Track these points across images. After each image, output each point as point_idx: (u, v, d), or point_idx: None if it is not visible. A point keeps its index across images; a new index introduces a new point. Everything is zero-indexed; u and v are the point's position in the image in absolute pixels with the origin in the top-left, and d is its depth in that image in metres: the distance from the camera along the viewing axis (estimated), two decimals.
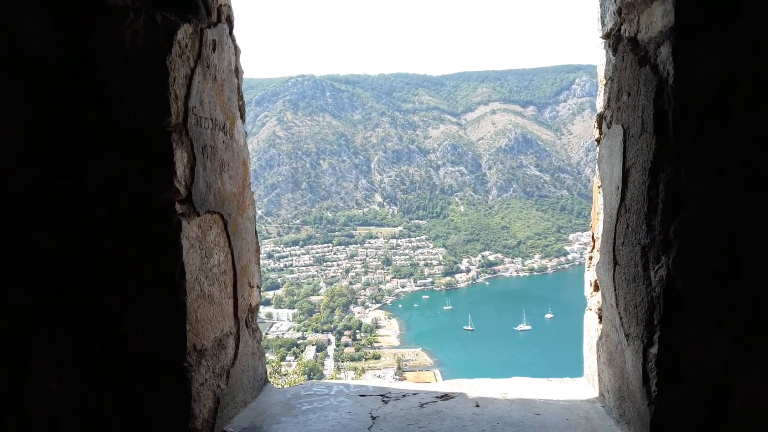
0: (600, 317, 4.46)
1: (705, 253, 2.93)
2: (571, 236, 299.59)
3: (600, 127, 4.71)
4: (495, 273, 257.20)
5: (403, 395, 4.64)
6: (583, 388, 4.76)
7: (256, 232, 5.03)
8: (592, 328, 4.74)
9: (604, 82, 4.46)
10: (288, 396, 4.74)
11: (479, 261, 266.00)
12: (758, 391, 3.00)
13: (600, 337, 4.39)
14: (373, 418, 4.13)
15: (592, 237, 4.92)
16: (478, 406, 4.27)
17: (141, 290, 3.49)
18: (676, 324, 2.99)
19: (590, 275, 4.85)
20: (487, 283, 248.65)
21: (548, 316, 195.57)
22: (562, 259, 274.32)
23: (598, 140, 4.84)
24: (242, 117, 4.76)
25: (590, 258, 4.92)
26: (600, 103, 4.64)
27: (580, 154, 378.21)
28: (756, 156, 2.86)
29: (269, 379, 5.32)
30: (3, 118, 3.38)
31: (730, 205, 2.91)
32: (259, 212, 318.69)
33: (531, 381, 5.05)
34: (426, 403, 4.36)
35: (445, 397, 4.56)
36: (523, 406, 4.20)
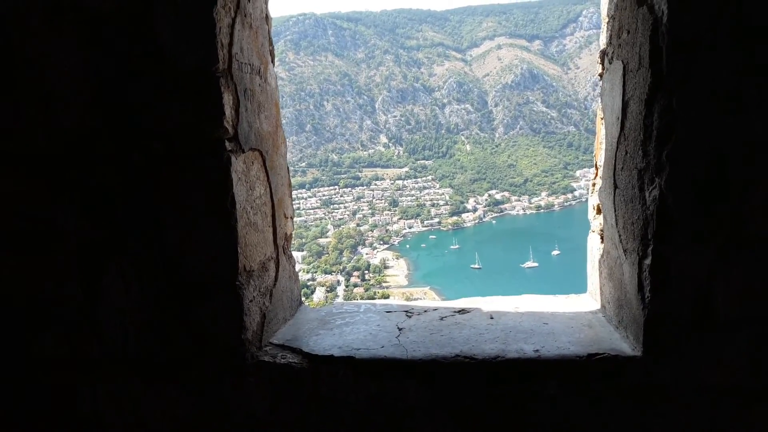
0: (602, 238, 4.84)
1: (693, 174, 3.29)
2: (578, 173, 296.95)
3: (603, 63, 4.97)
4: (502, 212, 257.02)
5: (425, 311, 5.15)
6: (586, 302, 5.21)
7: (287, 167, 5.37)
8: (594, 248, 5.09)
9: (607, 20, 4.72)
10: (322, 314, 5.25)
11: (486, 200, 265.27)
12: (737, 295, 3.41)
13: (602, 256, 4.75)
14: (399, 329, 4.59)
15: (595, 165, 5.26)
16: (492, 318, 4.68)
17: (198, 219, 3.86)
18: (666, 237, 3.35)
19: (593, 200, 5.20)
20: (493, 221, 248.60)
21: (555, 252, 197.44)
22: (569, 195, 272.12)
23: (600, 75, 5.10)
24: (272, 61, 5.04)
25: (593, 184, 5.23)
26: (603, 40, 4.89)
27: (587, 88, 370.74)
28: (739, 85, 3.17)
29: (303, 300, 5.88)
30: (69, 69, 3.75)
31: (717, 130, 3.23)
32: None
33: (540, 297, 5.55)
34: (445, 317, 4.85)
35: (462, 311, 5.04)
36: (533, 317, 4.63)
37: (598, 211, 5.06)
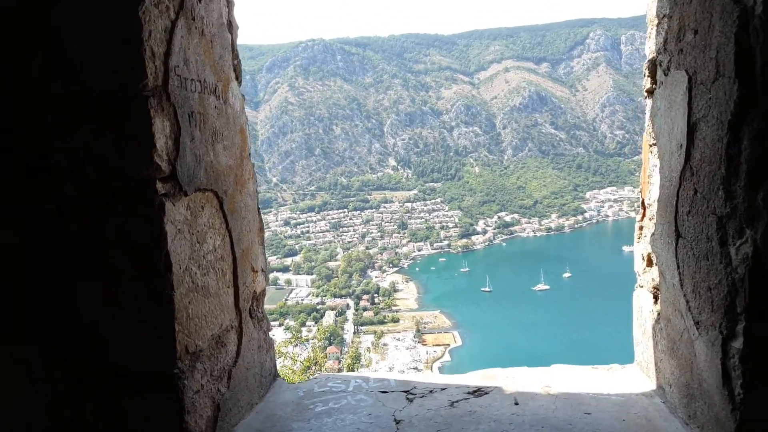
0: (655, 297, 3.90)
1: None
2: (588, 194, 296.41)
3: (653, 76, 3.91)
4: (512, 234, 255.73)
5: (430, 391, 4.14)
6: (636, 378, 4.14)
7: (258, 209, 4.37)
8: (645, 308, 4.13)
9: (657, 21, 3.74)
10: (300, 394, 4.18)
11: (495, 222, 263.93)
12: None
13: (657, 321, 3.82)
14: (397, 422, 3.50)
15: (642, 204, 4.27)
16: (516, 403, 3.72)
17: (119, 285, 2.97)
18: (766, 313, 2.43)
19: (642, 248, 4.20)
20: (503, 244, 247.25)
21: (566, 275, 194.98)
22: (580, 217, 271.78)
23: (649, 91, 4.07)
24: (238, 78, 4.20)
25: (641, 228, 4.28)
26: (651, 47, 3.88)
27: (595, 110, 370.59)
28: None
29: (279, 374, 4.64)
30: None
31: None
32: (273, 180, 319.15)
33: (574, 370, 4.33)
34: (457, 401, 3.86)
35: (477, 392, 4.05)
36: (570, 403, 3.64)
37: (649, 263, 4.05)
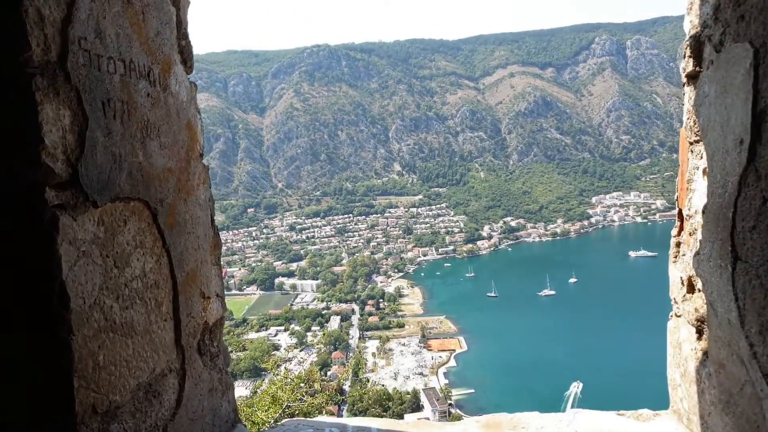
0: (699, 332, 3.05)
1: None
2: (593, 199, 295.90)
3: (696, 56, 3.01)
4: (517, 239, 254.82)
5: None
6: (673, 431, 3.38)
7: (212, 220, 3.61)
8: (686, 345, 3.28)
9: None
10: None
11: (501, 227, 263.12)
12: None
13: (702, 363, 2.96)
14: None
15: (680, 214, 3.48)
16: None
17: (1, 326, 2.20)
18: None
19: (680, 269, 3.35)
20: (509, 249, 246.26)
21: (572, 280, 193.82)
22: (585, 222, 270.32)
23: (691, 76, 3.14)
24: (187, 63, 3.31)
25: (677, 245, 3.49)
26: (693, 20, 2.98)
27: (601, 115, 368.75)
28: None
29: (240, 420, 3.88)
30: None
31: None
32: (279, 185, 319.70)
33: (597, 417, 3.66)
34: None
35: None
36: None
37: (691, 289, 3.17)
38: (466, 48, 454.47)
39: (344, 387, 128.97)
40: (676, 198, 3.71)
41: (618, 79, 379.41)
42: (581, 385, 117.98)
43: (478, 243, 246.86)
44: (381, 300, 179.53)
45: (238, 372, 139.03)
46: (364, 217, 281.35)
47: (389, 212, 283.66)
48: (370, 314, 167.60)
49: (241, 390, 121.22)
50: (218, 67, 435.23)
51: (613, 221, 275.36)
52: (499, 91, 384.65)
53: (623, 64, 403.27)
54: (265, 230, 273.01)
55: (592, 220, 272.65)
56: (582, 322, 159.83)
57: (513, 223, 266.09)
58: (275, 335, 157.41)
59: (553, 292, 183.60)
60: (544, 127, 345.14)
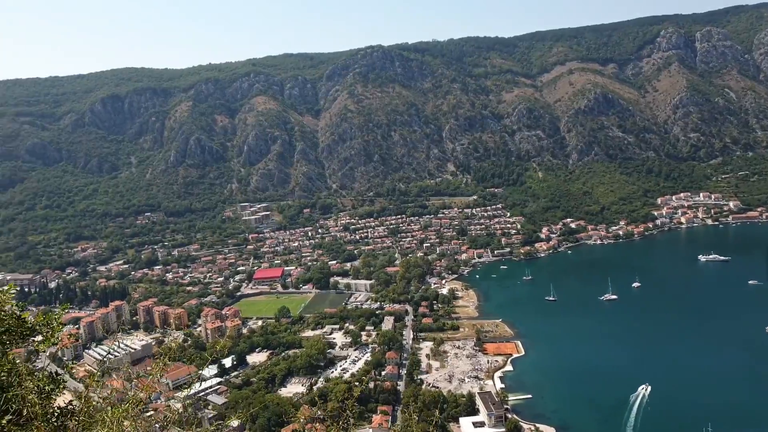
0: None
1: None
2: (659, 200, 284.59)
3: None
4: (577, 241, 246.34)
5: None
6: None
7: None
8: None
9: None
10: None
11: (560, 229, 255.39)
12: None
13: None
14: None
15: None
16: None
17: None
18: None
19: None
20: (569, 251, 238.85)
21: (635, 285, 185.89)
22: (650, 224, 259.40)
23: None
24: None
25: None
26: None
27: (667, 111, 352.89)
28: None
29: None
30: None
31: None
32: (333, 186, 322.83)
33: None
34: None
35: None
36: None
37: None
38: (522, 45, 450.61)
39: (398, 387, 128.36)
40: None
41: (686, 73, 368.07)
42: (649, 388, 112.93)
43: (536, 245, 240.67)
44: (435, 302, 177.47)
45: (294, 369, 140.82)
46: (417, 217, 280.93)
47: (443, 213, 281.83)
48: (424, 315, 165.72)
49: (297, 387, 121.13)
50: (275, 70, 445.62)
51: (681, 223, 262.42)
52: (558, 89, 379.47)
53: (692, 58, 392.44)
54: (320, 230, 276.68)
55: (658, 221, 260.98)
56: (646, 328, 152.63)
57: (573, 225, 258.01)
58: (330, 333, 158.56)
59: (615, 297, 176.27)
60: (606, 125, 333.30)
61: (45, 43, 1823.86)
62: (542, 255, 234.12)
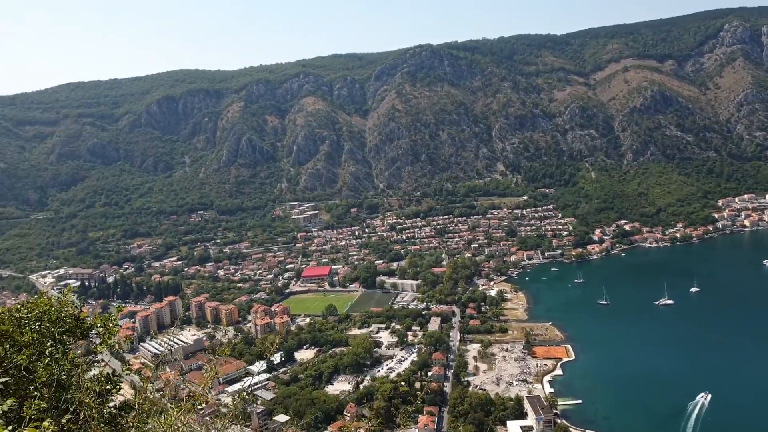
0: None
1: None
2: (720, 202, 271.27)
3: None
4: (632, 243, 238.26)
5: None
6: None
7: None
8: None
9: None
10: None
11: (614, 231, 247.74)
12: None
13: None
14: None
15: None
16: None
17: None
18: None
19: None
20: (622, 254, 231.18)
21: (694, 290, 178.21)
22: (710, 227, 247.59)
23: None
24: None
25: None
26: None
27: (730, 109, 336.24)
28: None
29: None
30: None
31: None
32: (380, 185, 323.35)
33: None
34: None
35: None
36: None
37: None
38: (575, 42, 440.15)
39: (445, 388, 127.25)
40: None
41: (752, 69, 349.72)
42: (709, 396, 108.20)
43: (588, 247, 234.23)
44: (483, 303, 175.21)
45: (341, 367, 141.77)
46: (465, 218, 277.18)
47: (492, 213, 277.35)
48: (472, 317, 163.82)
49: (344, 384, 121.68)
50: (324, 71, 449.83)
51: (744, 226, 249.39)
52: (612, 87, 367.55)
53: (758, 53, 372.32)
54: (366, 230, 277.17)
55: (719, 224, 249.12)
56: (705, 334, 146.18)
57: (627, 227, 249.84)
58: (376, 332, 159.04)
59: (671, 302, 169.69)
60: (663, 124, 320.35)
61: (106, 47, 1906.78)
62: (594, 257, 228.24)
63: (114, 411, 6.40)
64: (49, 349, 6.29)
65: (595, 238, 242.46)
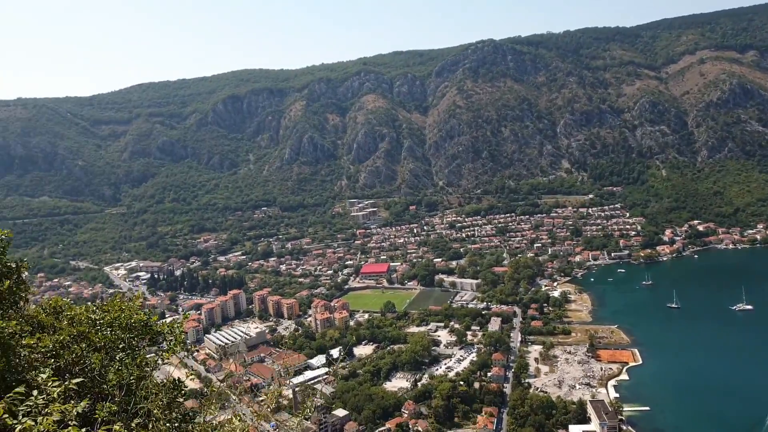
0: None
1: None
2: None
3: None
4: (705, 245, 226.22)
5: None
6: None
7: None
8: None
9: None
10: None
11: (686, 231, 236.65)
12: None
13: None
14: None
15: None
16: None
17: None
18: None
19: None
20: (695, 256, 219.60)
21: None
22: None
23: None
24: None
25: None
26: None
27: None
28: None
29: None
30: None
31: None
32: (440, 183, 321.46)
33: None
34: None
35: None
36: None
37: None
38: (646, 34, 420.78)
39: (504, 389, 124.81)
40: None
41: None
42: None
43: (658, 248, 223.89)
44: (545, 304, 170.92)
45: (399, 364, 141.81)
46: (527, 216, 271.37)
47: (556, 212, 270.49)
48: (533, 318, 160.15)
49: (402, 382, 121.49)
50: (385, 68, 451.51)
51: None
52: (686, 80, 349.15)
53: None
54: (425, 227, 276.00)
55: None
56: None
57: (701, 227, 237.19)
58: (435, 331, 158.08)
59: (749, 307, 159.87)
60: (743, 118, 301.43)
61: (176, 48, 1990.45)
62: (664, 259, 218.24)
63: (180, 418, 6.47)
64: (120, 355, 6.55)
65: (666, 238, 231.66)
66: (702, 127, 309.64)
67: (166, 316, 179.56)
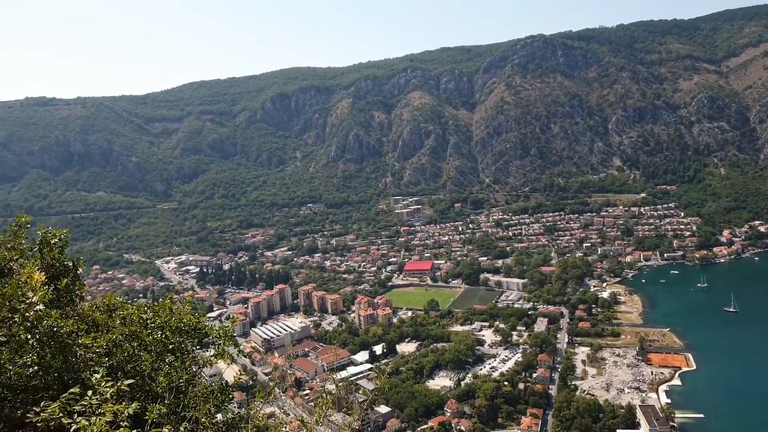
0: None
1: None
2: None
3: None
4: (767, 247, 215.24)
5: None
6: None
7: None
8: None
9: None
10: None
11: (746, 232, 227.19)
12: None
13: None
14: None
15: None
16: None
17: None
18: None
19: None
20: (756, 257, 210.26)
21: None
22: None
23: None
24: None
25: None
26: None
27: None
28: None
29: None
30: None
31: None
32: (486, 180, 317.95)
33: None
34: None
35: None
36: None
37: None
38: (705, 27, 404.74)
39: (550, 391, 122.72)
40: None
41: None
42: None
43: (714, 249, 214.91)
44: (594, 305, 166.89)
45: (442, 362, 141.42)
46: (576, 215, 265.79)
47: (606, 211, 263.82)
48: (581, 319, 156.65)
49: (445, 380, 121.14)
50: (432, 65, 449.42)
51: None
52: (749, 74, 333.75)
53: None
54: (470, 225, 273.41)
55: None
56: None
57: (762, 228, 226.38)
58: (479, 330, 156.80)
59: None
60: None
61: (226, 47, 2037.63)
62: (721, 260, 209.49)
63: (228, 423, 6.57)
64: (170, 357, 6.66)
65: (723, 239, 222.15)
66: (766, 123, 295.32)
67: (214, 309, 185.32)
